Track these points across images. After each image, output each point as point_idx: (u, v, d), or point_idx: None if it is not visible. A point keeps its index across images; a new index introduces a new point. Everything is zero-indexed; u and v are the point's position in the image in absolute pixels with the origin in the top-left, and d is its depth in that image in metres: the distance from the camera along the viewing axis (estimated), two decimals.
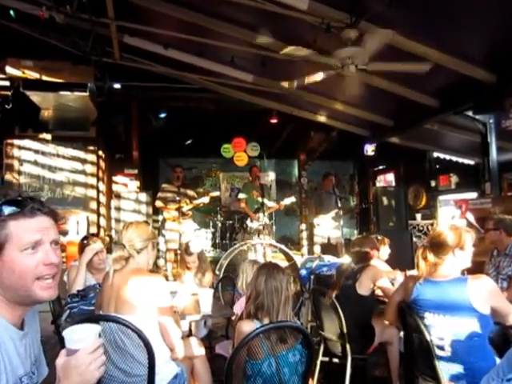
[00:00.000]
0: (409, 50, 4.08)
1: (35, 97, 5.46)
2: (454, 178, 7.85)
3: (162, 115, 8.22)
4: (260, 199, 6.18)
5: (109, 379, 2.12)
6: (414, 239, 6.36)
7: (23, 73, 5.36)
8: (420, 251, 2.25)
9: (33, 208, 1.14)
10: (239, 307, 2.89)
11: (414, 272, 3.49)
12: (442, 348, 2.14)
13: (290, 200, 6.52)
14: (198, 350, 2.62)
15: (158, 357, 2.05)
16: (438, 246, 2.18)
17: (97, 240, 3.32)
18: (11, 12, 4.83)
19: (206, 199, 6.40)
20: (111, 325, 2.09)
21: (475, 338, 2.05)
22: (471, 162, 7.38)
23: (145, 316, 2.09)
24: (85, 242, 3.31)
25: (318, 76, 4.12)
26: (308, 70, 4.26)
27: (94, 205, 6.52)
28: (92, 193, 6.52)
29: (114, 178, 7.46)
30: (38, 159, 6.34)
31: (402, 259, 5.03)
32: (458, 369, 2.10)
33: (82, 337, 1.05)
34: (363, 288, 3.08)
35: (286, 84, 4.51)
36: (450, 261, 2.15)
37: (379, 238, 3.78)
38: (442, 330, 2.14)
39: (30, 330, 1.23)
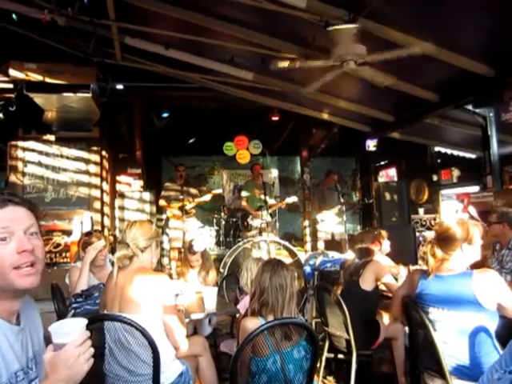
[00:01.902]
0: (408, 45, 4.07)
1: (38, 99, 5.49)
2: (455, 172, 7.84)
3: (165, 115, 8.25)
4: (262, 197, 6.21)
5: (113, 378, 2.15)
6: (417, 234, 6.38)
7: (26, 75, 5.40)
8: (428, 247, 2.23)
9: (3, 199, 1.16)
10: (243, 306, 2.92)
11: (417, 267, 3.52)
12: (446, 342, 2.15)
13: (292, 199, 6.56)
14: (203, 348, 2.65)
15: (163, 355, 2.07)
16: (445, 241, 2.17)
17: (100, 237, 3.33)
18: (14, 16, 4.87)
19: (208, 197, 6.46)
20: (116, 324, 2.12)
21: (480, 333, 2.06)
22: (472, 156, 7.37)
23: (149, 315, 2.11)
24: (87, 238, 3.30)
25: (327, 77, 4.12)
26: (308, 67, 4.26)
27: (97, 204, 6.55)
28: (96, 193, 6.55)
29: (118, 178, 7.50)
30: (41, 160, 6.37)
31: (405, 254, 5.04)
32: (463, 363, 2.10)
33: (69, 330, 1.04)
34: (366, 283, 3.10)
35: (282, 63, 4.43)
36: (457, 256, 2.15)
37: (376, 232, 3.79)
38: (446, 325, 2.15)
39: (27, 325, 1.23)
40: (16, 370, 1.13)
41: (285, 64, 4.08)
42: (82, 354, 1.03)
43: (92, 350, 1.07)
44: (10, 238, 1.14)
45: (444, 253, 2.17)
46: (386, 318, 3.23)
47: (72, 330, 1.04)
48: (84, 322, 1.08)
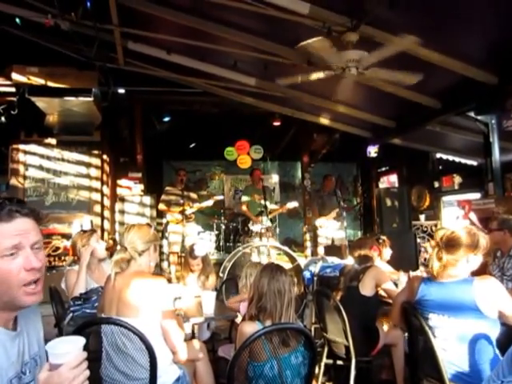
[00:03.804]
0: (410, 53, 4.09)
1: (40, 102, 5.51)
2: (457, 179, 7.83)
3: (166, 119, 8.28)
4: (262, 202, 6.21)
5: (110, 382, 2.14)
6: (418, 240, 6.36)
7: (28, 79, 5.41)
8: (435, 251, 2.22)
9: (10, 210, 1.10)
10: (243, 309, 2.90)
11: (417, 273, 3.51)
12: (446, 349, 2.14)
13: (292, 204, 6.56)
14: (201, 353, 2.63)
15: (161, 360, 2.07)
16: (453, 249, 2.16)
17: (93, 234, 3.30)
18: (17, 20, 4.90)
19: (210, 202, 6.46)
20: (113, 327, 2.11)
21: (480, 340, 2.05)
22: (474, 163, 7.36)
23: (147, 319, 2.11)
24: (83, 234, 3.26)
25: (318, 75, 4.12)
26: (310, 73, 4.27)
27: (98, 208, 6.56)
28: (96, 196, 6.56)
29: (119, 182, 7.50)
30: (43, 164, 6.39)
31: (405, 260, 5.04)
32: (462, 370, 2.09)
33: (64, 351, 1.01)
34: (366, 288, 3.09)
35: (286, 80, 4.46)
36: (462, 264, 2.15)
37: (380, 240, 3.78)
38: (446, 331, 2.14)
39: (26, 328, 1.21)
40: (11, 377, 1.11)
41: (289, 81, 4.10)
42: (76, 377, 1.00)
43: (88, 373, 1.03)
44: (17, 254, 1.09)
45: (449, 259, 2.15)
46: (385, 327, 3.21)
47: (67, 352, 1.01)
48: (82, 341, 1.04)
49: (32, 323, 1.26)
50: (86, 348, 1.05)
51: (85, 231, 3.37)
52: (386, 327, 3.22)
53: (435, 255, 2.20)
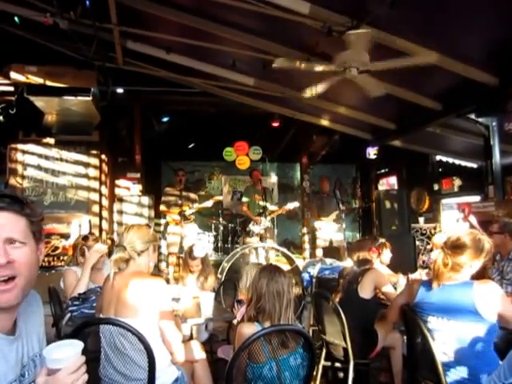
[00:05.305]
0: (410, 53, 4.07)
1: (39, 102, 5.51)
2: (456, 182, 7.82)
3: (165, 119, 8.27)
4: (262, 203, 6.19)
5: (109, 382, 2.13)
6: (417, 243, 6.35)
7: (27, 78, 5.40)
8: (441, 256, 2.21)
9: None
10: (240, 315, 2.88)
11: (416, 275, 3.49)
12: (445, 353, 2.13)
13: (293, 205, 6.53)
14: (199, 354, 2.61)
15: (159, 360, 2.05)
16: (459, 256, 2.14)
17: (97, 239, 3.28)
18: (16, 18, 4.88)
19: (209, 203, 6.44)
20: (111, 328, 2.10)
21: (479, 343, 2.04)
22: (474, 165, 7.36)
23: (145, 319, 2.09)
24: (83, 241, 3.26)
25: (318, 68, 4.08)
26: (308, 73, 4.25)
27: (96, 208, 6.54)
28: (95, 196, 6.54)
29: (117, 182, 7.49)
30: (41, 163, 6.38)
31: (404, 263, 5.01)
32: (461, 374, 2.08)
33: (62, 356, 0.99)
34: (365, 291, 3.08)
35: (283, 63, 4.36)
36: (465, 270, 2.15)
37: (379, 243, 3.74)
38: (445, 335, 2.13)
39: (25, 330, 1.20)
40: (11, 380, 1.10)
41: (286, 63, 4.05)
42: (74, 382, 0.98)
43: (86, 377, 1.02)
44: None
45: (455, 264, 2.14)
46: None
47: (65, 357, 0.99)
48: (80, 346, 1.02)
49: (31, 321, 1.25)
50: (84, 348, 1.04)
51: (86, 237, 3.36)
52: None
53: (442, 260, 2.19)
